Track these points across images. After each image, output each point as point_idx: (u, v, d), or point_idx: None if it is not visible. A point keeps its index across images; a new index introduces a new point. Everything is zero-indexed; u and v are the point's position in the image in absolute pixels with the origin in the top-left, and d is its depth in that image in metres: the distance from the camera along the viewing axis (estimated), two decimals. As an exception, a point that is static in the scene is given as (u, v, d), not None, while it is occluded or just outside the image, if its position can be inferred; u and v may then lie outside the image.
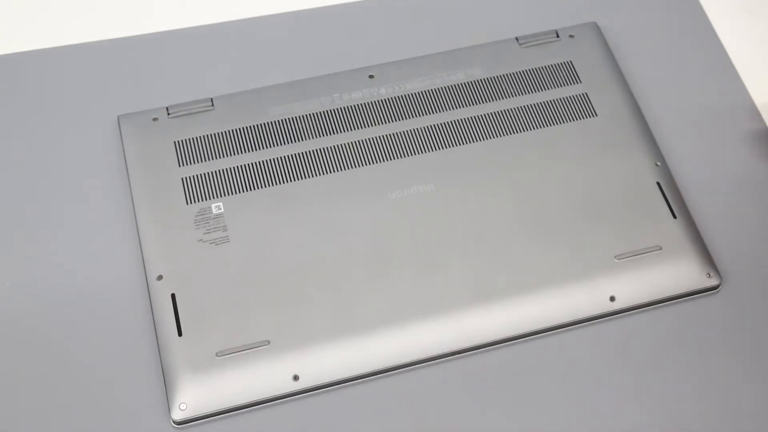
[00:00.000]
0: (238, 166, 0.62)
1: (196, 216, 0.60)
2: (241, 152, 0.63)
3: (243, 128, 0.64)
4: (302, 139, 0.64)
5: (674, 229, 0.61)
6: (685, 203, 0.63)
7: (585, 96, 0.67)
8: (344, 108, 0.65)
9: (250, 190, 0.62)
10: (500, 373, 0.57)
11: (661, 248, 0.60)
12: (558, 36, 0.70)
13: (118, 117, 0.65)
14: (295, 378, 0.56)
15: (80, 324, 0.58)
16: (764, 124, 0.69)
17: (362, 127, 0.65)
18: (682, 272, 0.60)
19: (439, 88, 0.67)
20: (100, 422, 0.55)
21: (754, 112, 0.69)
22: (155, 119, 0.65)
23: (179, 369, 0.55)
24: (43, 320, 0.58)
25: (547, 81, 0.67)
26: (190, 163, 0.63)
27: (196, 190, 0.61)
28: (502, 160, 0.63)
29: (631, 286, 0.59)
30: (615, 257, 0.60)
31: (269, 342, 0.56)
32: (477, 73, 0.67)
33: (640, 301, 0.59)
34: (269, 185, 0.62)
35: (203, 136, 0.64)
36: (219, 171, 0.62)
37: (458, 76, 0.67)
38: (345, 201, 0.61)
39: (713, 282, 0.60)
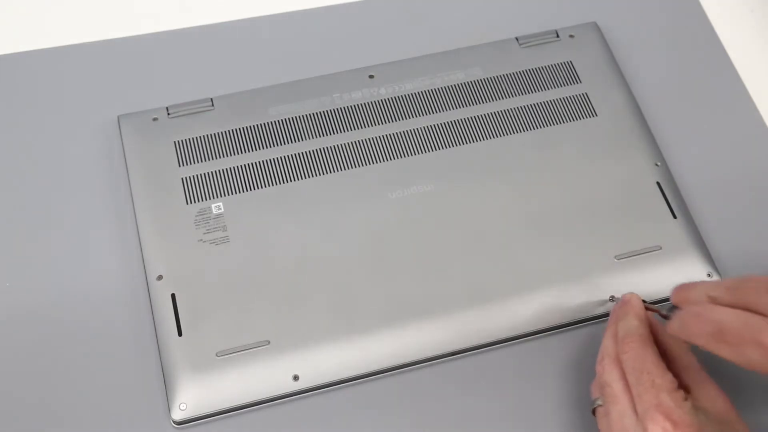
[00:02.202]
0: (238, 166, 0.62)
1: (196, 216, 0.60)
2: (241, 152, 0.63)
3: (243, 128, 0.64)
4: (302, 139, 0.64)
5: (674, 229, 0.61)
6: (685, 203, 0.63)
7: (585, 96, 0.67)
8: (344, 108, 0.65)
9: (250, 190, 0.62)
10: (500, 373, 0.57)
11: (661, 248, 0.60)
12: (558, 36, 0.70)
13: (118, 117, 0.65)
14: (295, 378, 0.56)
15: (80, 324, 0.58)
16: (764, 124, 0.69)
17: (362, 127, 0.65)
18: (682, 272, 0.60)
19: (439, 88, 0.67)
20: (100, 422, 0.55)
21: (754, 112, 0.69)
22: (155, 119, 0.65)
23: (179, 369, 0.55)
24: (43, 320, 0.58)
25: (547, 81, 0.67)
26: (190, 163, 0.63)
27: (196, 190, 0.61)
28: (502, 160, 0.63)
29: (631, 286, 0.59)
30: (615, 257, 0.60)
31: (269, 342, 0.56)
32: (477, 73, 0.67)
33: (640, 301, 0.59)
34: (269, 185, 0.62)
35: (203, 136, 0.64)
36: (219, 171, 0.62)
37: (458, 76, 0.67)
38: (345, 201, 0.61)
39: (713, 282, 0.60)
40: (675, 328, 0.49)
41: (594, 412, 0.51)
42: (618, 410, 0.48)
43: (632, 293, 0.54)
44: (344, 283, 0.58)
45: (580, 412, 0.56)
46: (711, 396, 0.49)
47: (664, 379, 0.47)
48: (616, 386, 0.49)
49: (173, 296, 0.58)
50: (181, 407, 0.54)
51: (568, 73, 0.68)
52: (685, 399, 0.47)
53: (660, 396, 0.46)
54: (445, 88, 0.67)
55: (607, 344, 0.51)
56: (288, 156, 0.63)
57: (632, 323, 0.51)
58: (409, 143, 0.64)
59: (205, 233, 0.60)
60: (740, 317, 0.46)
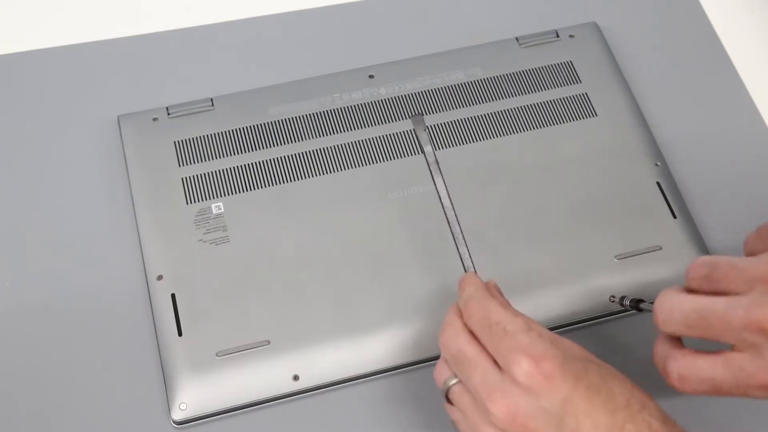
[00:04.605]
0: (238, 166, 0.62)
1: (196, 216, 0.60)
2: (241, 152, 0.63)
3: (243, 128, 0.64)
4: (302, 139, 0.64)
5: (674, 229, 0.61)
6: (685, 203, 0.63)
7: (585, 96, 0.67)
8: (344, 108, 0.65)
9: (250, 190, 0.62)
10: (500, 373, 0.57)
11: (661, 248, 0.60)
12: (558, 36, 0.70)
13: (118, 117, 0.65)
14: (295, 378, 0.56)
15: (80, 324, 0.58)
16: (764, 123, 0.69)
17: (362, 127, 0.65)
18: (682, 272, 0.59)
19: (439, 88, 0.67)
20: (100, 422, 0.55)
21: (754, 112, 0.69)
22: (155, 119, 0.65)
23: (179, 369, 0.55)
24: (43, 320, 0.58)
25: (547, 81, 0.67)
26: (190, 163, 0.63)
27: (196, 190, 0.61)
28: (503, 160, 0.63)
29: (631, 286, 0.59)
30: (615, 257, 0.60)
31: (269, 342, 0.56)
32: (477, 73, 0.67)
33: (640, 301, 0.59)
34: (269, 185, 0.62)
35: (203, 136, 0.64)
36: (219, 171, 0.62)
37: (458, 76, 0.67)
38: (345, 201, 0.61)
39: (713, 282, 0.60)
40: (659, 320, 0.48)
41: (447, 398, 0.49)
42: (479, 372, 0.46)
43: (467, 273, 0.53)
44: (344, 283, 0.58)
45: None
46: (565, 346, 0.47)
47: (515, 324, 0.46)
48: (470, 349, 0.47)
49: (173, 296, 0.58)
50: (181, 407, 0.54)
51: (568, 73, 0.68)
52: (541, 336, 0.46)
53: (516, 338, 0.45)
54: (445, 88, 0.67)
55: (450, 318, 0.50)
56: (288, 156, 0.63)
57: (469, 290, 0.50)
58: (408, 143, 0.64)
59: (205, 233, 0.60)
60: (719, 302, 0.44)
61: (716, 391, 0.45)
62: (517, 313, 0.48)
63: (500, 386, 0.45)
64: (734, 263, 0.45)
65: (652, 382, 0.57)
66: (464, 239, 0.60)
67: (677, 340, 0.48)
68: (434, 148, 0.63)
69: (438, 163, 0.61)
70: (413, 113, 0.65)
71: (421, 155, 0.63)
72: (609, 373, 0.46)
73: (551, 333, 0.47)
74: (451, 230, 0.60)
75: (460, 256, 0.59)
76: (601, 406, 0.44)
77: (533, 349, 0.45)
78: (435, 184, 0.60)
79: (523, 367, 0.44)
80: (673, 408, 0.47)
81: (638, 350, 0.58)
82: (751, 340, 0.43)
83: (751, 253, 0.48)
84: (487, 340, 0.47)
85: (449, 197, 0.61)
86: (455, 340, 0.48)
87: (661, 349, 0.48)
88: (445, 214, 0.60)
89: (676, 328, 0.46)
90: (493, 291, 0.51)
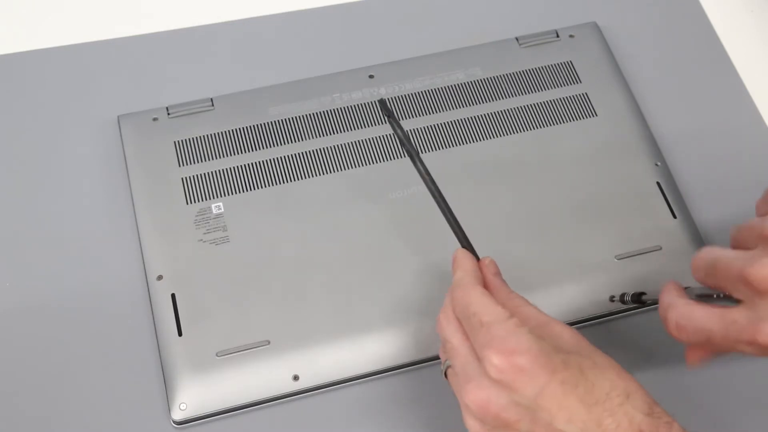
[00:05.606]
0: (238, 166, 0.62)
1: (196, 216, 0.60)
2: (241, 152, 0.63)
3: (243, 128, 0.64)
4: (302, 139, 0.64)
5: (674, 229, 0.61)
6: (685, 203, 0.63)
7: (585, 96, 0.67)
8: (344, 108, 0.65)
9: (250, 190, 0.62)
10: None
11: (661, 248, 0.60)
12: (558, 36, 0.70)
13: (118, 117, 0.65)
14: (295, 378, 0.56)
15: (80, 324, 0.58)
16: (764, 123, 0.69)
17: (362, 127, 0.65)
18: (682, 272, 0.60)
19: (439, 88, 0.67)
20: (100, 422, 0.55)
21: (754, 112, 0.69)
22: (155, 119, 0.65)
23: (179, 369, 0.55)
24: (43, 320, 0.58)
25: (547, 81, 0.67)
26: (190, 163, 0.63)
27: (196, 190, 0.61)
28: (502, 160, 0.63)
29: (631, 286, 0.59)
30: (615, 257, 0.60)
31: (269, 342, 0.56)
32: (477, 73, 0.67)
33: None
34: (269, 185, 0.62)
35: (203, 136, 0.64)
36: (219, 171, 0.62)
37: (458, 76, 0.67)
38: (345, 201, 0.61)
39: (713, 282, 0.60)
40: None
41: (446, 376, 0.50)
42: (460, 362, 0.47)
43: (459, 249, 0.52)
44: (344, 283, 0.58)
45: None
46: (554, 333, 0.47)
47: (492, 315, 0.46)
48: (455, 339, 0.48)
49: (173, 296, 0.58)
50: (181, 407, 0.54)
51: (568, 73, 0.68)
52: (518, 327, 0.45)
53: (491, 331, 0.45)
54: (445, 88, 0.67)
55: (445, 303, 0.50)
56: (288, 156, 0.63)
57: (457, 275, 0.50)
58: (409, 143, 0.64)
59: (205, 233, 0.60)
60: (728, 254, 0.46)
61: (709, 342, 0.46)
62: (496, 303, 0.47)
63: (476, 378, 0.45)
64: (750, 224, 0.47)
65: (653, 382, 0.57)
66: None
67: (683, 291, 0.49)
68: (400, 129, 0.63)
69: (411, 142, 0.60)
70: (413, 113, 0.65)
71: (421, 155, 0.63)
72: (592, 365, 0.45)
73: (540, 318, 0.47)
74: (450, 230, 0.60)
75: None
76: (578, 400, 0.44)
77: (506, 343, 0.44)
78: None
79: (493, 363, 0.44)
80: (670, 400, 0.47)
81: (639, 349, 0.58)
82: (745, 293, 0.44)
83: (761, 215, 0.49)
84: (468, 329, 0.48)
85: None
86: (445, 329, 0.49)
87: (666, 298, 0.49)
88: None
89: (699, 275, 0.48)
90: (486, 272, 0.51)
